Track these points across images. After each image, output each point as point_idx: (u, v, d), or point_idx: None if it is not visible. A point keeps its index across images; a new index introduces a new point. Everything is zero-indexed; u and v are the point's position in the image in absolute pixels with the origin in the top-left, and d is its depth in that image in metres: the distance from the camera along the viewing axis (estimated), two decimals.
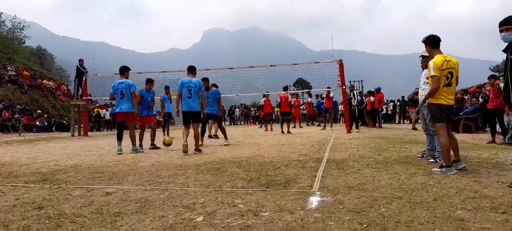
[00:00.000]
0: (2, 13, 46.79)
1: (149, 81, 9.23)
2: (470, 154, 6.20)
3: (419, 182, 3.83)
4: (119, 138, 7.77)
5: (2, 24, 45.99)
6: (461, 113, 12.27)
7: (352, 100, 15.35)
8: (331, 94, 17.21)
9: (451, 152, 4.50)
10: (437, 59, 4.36)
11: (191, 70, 7.78)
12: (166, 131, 12.74)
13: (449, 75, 4.36)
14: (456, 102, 13.00)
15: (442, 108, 4.42)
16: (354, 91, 16.40)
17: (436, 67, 4.29)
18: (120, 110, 7.80)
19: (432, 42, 4.59)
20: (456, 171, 4.27)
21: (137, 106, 8.10)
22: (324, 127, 17.17)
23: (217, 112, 9.80)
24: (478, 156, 5.85)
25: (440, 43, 4.59)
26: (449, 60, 4.38)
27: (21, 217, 2.86)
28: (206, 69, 17.26)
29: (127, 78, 7.94)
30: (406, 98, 22.20)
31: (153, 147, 8.51)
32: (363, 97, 18.17)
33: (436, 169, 4.41)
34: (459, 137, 10.09)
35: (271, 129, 16.48)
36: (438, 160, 5.06)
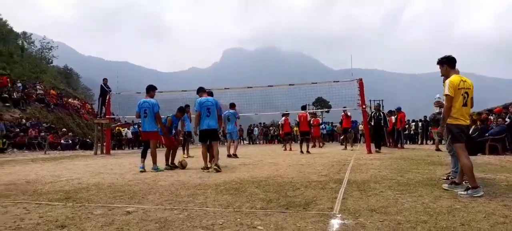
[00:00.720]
0: (32, 33, 49.05)
1: (181, 110, 9.42)
2: (498, 176, 5.96)
3: (444, 205, 3.70)
4: (143, 156, 7.83)
5: (32, 44, 48.13)
6: (487, 134, 11.88)
7: (381, 122, 14.45)
8: (349, 113, 17.01)
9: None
10: (454, 78, 4.41)
11: (204, 90, 8.05)
12: (186, 150, 12.83)
13: (465, 95, 4.39)
14: (481, 122, 12.63)
15: (462, 128, 4.42)
16: (383, 111, 15.52)
17: (452, 86, 4.33)
18: (143, 130, 7.98)
19: (450, 62, 4.67)
20: (483, 193, 4.14)
21: (162, 126, 8.18)
22: (345, 146, 16.93)
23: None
24: (506, 179, 5.62)
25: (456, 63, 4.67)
26: (465, 81, 4.43)
27: None
28: (225, 88, 17.45)
29: (152, 97, 8.03)
30: (428, 118, 21.71)
31: (173, 166, 8.57)
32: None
33: (462, 192, 4.26)
34: (486, 158, 9.76)
35: (290, 149, 16.38)
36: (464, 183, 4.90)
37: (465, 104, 4.39)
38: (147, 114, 7.79)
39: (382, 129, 14.31)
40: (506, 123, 12.18)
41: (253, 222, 3.21)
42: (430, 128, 19.70)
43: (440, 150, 12.92)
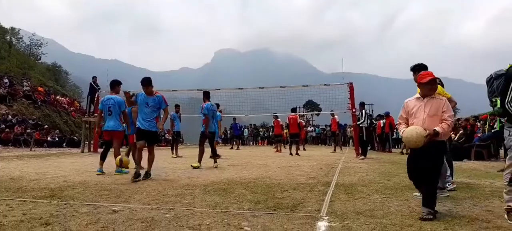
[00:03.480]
0: (20, 29, 48.33)
1: (126, 94, 8.01)
2: (482, 182, 6.06)
3: None
4: (102, 158, 7.27)
5: (20, 40, 47.41)
6: (475, 140, 12.06)
7: (360, 120, 13.05)
8: (336, 118, 17.14)
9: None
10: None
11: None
12: (175, 150, 12.75)
13: None
14: (465, 130, 12.81)
15: None
16: (364, 111, 13.79)
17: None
18: (106, 128, 7.24)
19: (421, 69, 4.72)
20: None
21: (128, 125, 7.49)
22: (334, 149, 17.04)
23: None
24: (490, 184, 5.72)
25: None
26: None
27: None
28: (216, 89, 17.40)
29: (117, 93, 7.41)
30: None
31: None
32: (373, 120, 17.97)
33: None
34: (471, 164, 9.90)
35: (280, 150, 16.41)
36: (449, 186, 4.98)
37: None
38: (111, 112, 7.14)
39: (361, 130, 12.82)
40: (494, 130, 12.36)
41: (240, 223, 3.20)
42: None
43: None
